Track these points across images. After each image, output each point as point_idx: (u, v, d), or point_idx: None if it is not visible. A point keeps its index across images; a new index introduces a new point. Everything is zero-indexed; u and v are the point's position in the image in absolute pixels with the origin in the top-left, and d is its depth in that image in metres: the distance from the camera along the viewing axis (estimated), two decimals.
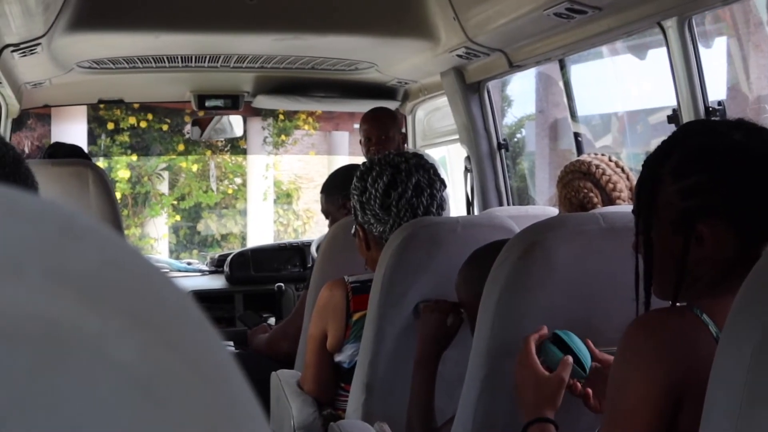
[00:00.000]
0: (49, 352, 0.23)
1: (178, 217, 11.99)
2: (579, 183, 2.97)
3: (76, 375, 0.23)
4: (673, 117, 2.99)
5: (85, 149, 5.28)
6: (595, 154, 3.08)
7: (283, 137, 11.40)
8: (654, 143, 1.63)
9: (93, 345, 0.24)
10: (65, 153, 3.90)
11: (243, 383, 0.29)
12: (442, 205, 2.63)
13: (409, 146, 5.20)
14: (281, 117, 10.95)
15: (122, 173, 11.21)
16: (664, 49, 2.98)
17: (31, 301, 0.24)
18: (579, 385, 1.81)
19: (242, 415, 0.28)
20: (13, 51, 3.62)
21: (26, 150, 9.62)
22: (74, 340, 0.24)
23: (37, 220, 0.27)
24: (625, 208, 2.84)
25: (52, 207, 0.28)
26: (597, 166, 2.96)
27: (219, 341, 0.29)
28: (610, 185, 2.94)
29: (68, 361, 0.23)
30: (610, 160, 3.01)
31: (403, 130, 4.68)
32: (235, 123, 5.30)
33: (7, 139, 4.61)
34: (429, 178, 2.60)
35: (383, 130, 4.33)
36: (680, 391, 1.41)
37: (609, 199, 2.93)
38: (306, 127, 11.35)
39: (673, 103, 2.99)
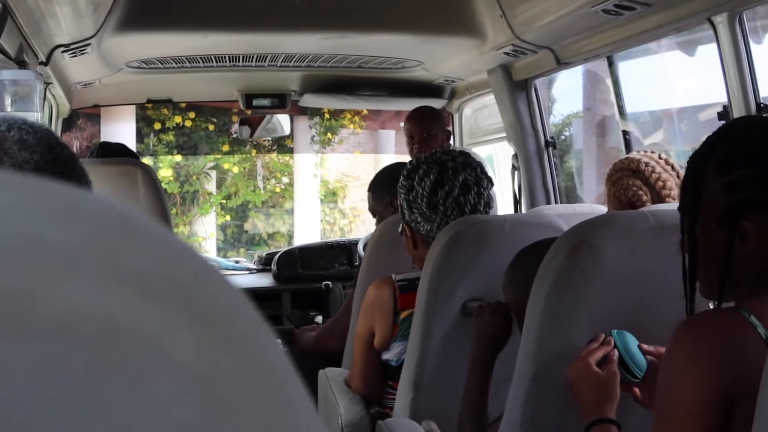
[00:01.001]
0: (107, 350, 0.23)
1: (226, 216, 12.06)
2: (628, 181, 2.95)
3: (133, 372, 0.23)
4: (724, 114, 2.96)
5: (134, 149, 5.33)
6: (645, 152, 3.05)
7: (329, 135, 11.42)
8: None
9: (150, 342, 0.24)
10: (113, 152, 3.94)
11: (298, 382, 0.29)
12: (489, 203, 2.62)
13: (456, 144, 5.19)
14: (327, 116, 10.98)
15: (165, 172, 11.28)
16: (714, 44, 2.95)
17: (89, 298, 0.24)
18: (636, 390, 1.80)
19: (297, 413, 0.28)
20: (63, 51, 3.67)
21: (76, 149, 9.71)
22: (132, 337, 0.24)
23: (94, 217, 0.27)
24: (675, 206, 2.81)
25: (109, 205, 0.28)
26: (646, 164, 2.94)
27: (274, 339, 0.29)
28: (660, 183, 2.91)
29: (126, 359, 0.23)
30: (660, 158, 2.98)
31: (449, 128, 4.67)
32: (282, 122, 5.33)
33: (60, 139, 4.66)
34: (476, 176, 2.59)
35: (426, 128, 4.32)
36: (731, 394, 1.39)
37: (659, 197, 2.90)
38: (352, 126, 11.36)
39: (724, 99, 2.95)
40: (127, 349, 0.24)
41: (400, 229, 2.73)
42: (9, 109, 2.74)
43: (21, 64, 3.05)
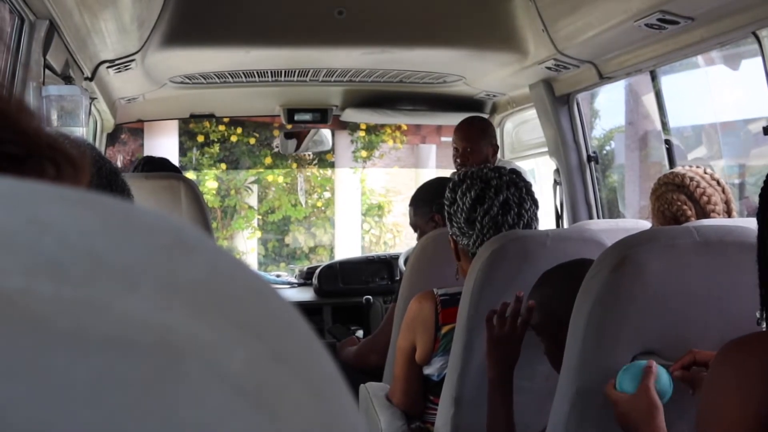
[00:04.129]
0: (164, 363, 0.24)
1: (267, 231, 12.10)
2: (672, 195, 2.92)
3: (188, 385, 0.24)
4: None
5: (176, 163, 5.36)
6: (690, 167, 3.03)
7: (368, 152, 11.43)
8: (753, 153, 1.57)
9: (206, 356, 0.24)
10: (156, 166, 3.98)
11: (348, 395, 0.29)
12: (530, 224, 2.60)
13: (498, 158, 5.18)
14: (363, 133, 10.99)
15: (210, 184, 11.35)
16: (759, 58, 2.93)
17: (145, 312, 0.24)
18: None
19: (348, 426, 0.28)
20: (108, 67, 3.71)
21: (119, 164, 9.80)
22: (188, 350, 0.24)
23: (149, 232, 0.28)
24: (721, 221, 2.78)
25: (163, 219, 0.29)
26: (691, 179, 2.91)
27: (325, 353, 0.29)
28: (705, 198, 2.88)
29: (181, 372, 0.24)
30: (705, 173, 2.96)
31: (496, 142, 4.64)
32: (325, 136, 5.36)
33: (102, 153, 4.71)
34: (519, 197, 2.57)
35: (469, 141, 4.32)
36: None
37: (703, 212, 2.88)
38: (394, 140, 11.36)
39: None
40: (182, 363, 0.24)
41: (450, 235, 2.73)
42: (55, 124, 2.78)
43: (67, 80, 3.09)
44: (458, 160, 4.30)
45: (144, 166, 3.97)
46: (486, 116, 5.18)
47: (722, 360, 1.43)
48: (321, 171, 12.22)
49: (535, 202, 2.62)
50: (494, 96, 5.03)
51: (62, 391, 0.22)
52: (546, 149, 4.55)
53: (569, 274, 2.03)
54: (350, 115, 5.30)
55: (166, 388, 0.23)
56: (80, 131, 2.86)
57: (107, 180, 1.45)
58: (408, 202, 3.63)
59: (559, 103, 4.34)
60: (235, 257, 0.30)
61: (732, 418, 1.39)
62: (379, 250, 11.71)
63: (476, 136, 4.35)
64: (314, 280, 4.95)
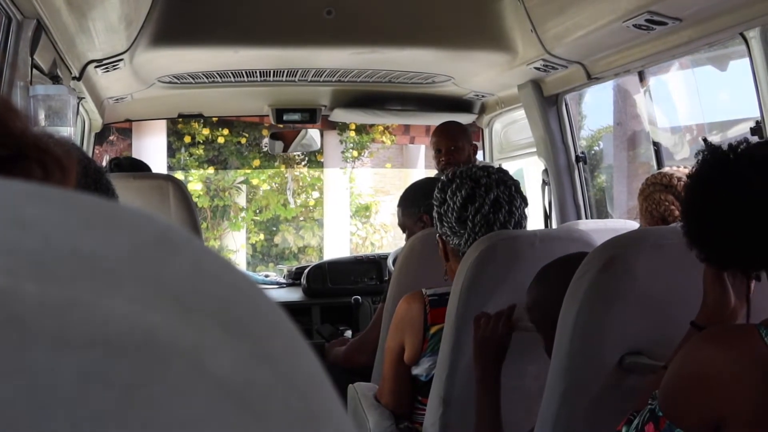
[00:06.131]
0: (147, 363, 0.23)
1: (256, 231, 12.08)
2: (660, 195, 2.93)
3: (173, 386, 0.23)
4: (757, 129, 2.93)
5: (165, 163, 5.35)
6: (677, 167, 3.03)
7: (356, 152, 11.42)
8: None
9: (189, 356, 0.24)
10: (123, 168, 3.93)
11: (334, 396, 0.29)
12: (520, 222, 2.60)
13: (486, 159, 5.19)
14: (352, 133, 10.98)
15: (197, 186, 11.32)
16: (747, 59, 2.93)
17: (129, 312, 0.24)
18: None
19: (334, 427, 0.28)
20: (96, 67, 3.70)
21: (105, 164, 9.73)
22: (171, 351, 0.24)
23: (133, 231, 0.27)
24: None
25: (149, 219, 0.28)
26: (679, 179, 2.92)
27: (311, 353, 0.29)
28: None
29: (166, 372, 0.24)
30: None
31: (475, 142, 4.66)
32: (314, 136, 5.35)
33: (90, 153, 4.70)
34: (509, 195, 2.57)
35: (453, 141, 4.33)
36: (722, 414, 1.37)
37: None
38: (384, 138, 11.36)
39: (756, 114, 2.93)
40: (167, 363, 0.24)
41: (437, 237, 2.72)
42: (43, 123, 2.77)
43: (55, 80, 3.08)
44: (442, 160, 4.31)
45: (113, 169, 3.92)
46: (475, 116, 5.19)
47: (698, 345, 1.43)
48: (310, 171, 12.20)
49: (524, 200, 2.63)
50: (483, 96, 5.03)
51: (45, 391, 0.22)
52: (534, 149, 4.55)
53: (566, 270, 2.02)
54: (339, 115, 5.30)
55: (150, 389, 0.23)
56: (68, 131, 2.85)
57: (92, 179, 1.44)
58: (396, 202, 3.62)
59: (548, 103, 4.35)
60: (221, 257, 0.30)
61: (688, 418, 1.40)
62: (366, 250, 11.71)
63: (459, 135, 4.36)
64: (303, 280, 4.95)
